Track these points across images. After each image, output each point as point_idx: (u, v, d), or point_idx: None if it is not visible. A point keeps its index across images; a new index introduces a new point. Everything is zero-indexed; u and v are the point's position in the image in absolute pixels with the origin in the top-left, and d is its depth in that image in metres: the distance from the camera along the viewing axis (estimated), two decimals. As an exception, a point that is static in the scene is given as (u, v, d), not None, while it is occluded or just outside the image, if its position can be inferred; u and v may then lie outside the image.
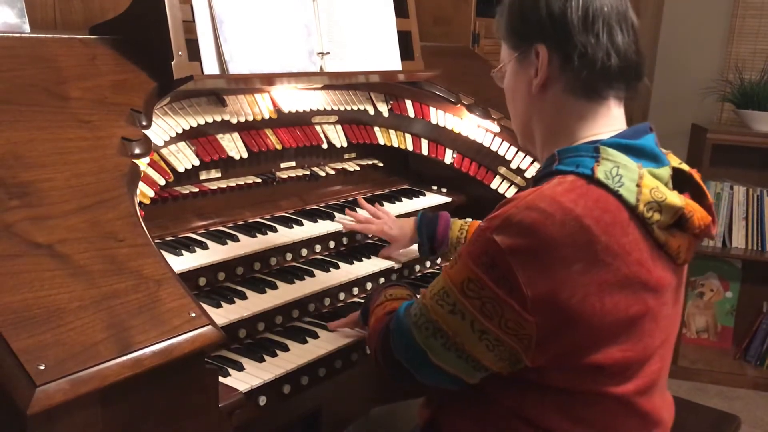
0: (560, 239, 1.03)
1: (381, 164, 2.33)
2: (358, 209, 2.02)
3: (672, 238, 1.12)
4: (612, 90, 1.16)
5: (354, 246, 1.99)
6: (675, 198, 1.10)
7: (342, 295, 1.81)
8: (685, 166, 1.20)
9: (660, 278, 1.11)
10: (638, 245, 1.08)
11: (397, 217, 2.00)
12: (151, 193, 1.56)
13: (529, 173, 2.21)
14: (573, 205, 1.04)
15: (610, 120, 1.18)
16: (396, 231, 1.90)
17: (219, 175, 1.87)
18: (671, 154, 1.20)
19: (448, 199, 2.32)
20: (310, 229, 1.86)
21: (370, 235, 2.01)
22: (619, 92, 1.17)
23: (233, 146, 1.82)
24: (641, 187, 1.08)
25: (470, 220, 1.84)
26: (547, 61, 1.16)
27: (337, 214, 1.97)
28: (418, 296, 1.21)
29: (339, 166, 2.19)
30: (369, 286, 1.88)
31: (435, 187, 2.38)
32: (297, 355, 1.52)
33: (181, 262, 1.54)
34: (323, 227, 1.88)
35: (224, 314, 1.50)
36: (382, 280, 1.93)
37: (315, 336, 1.61)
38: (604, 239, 1.04)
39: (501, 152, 2.24)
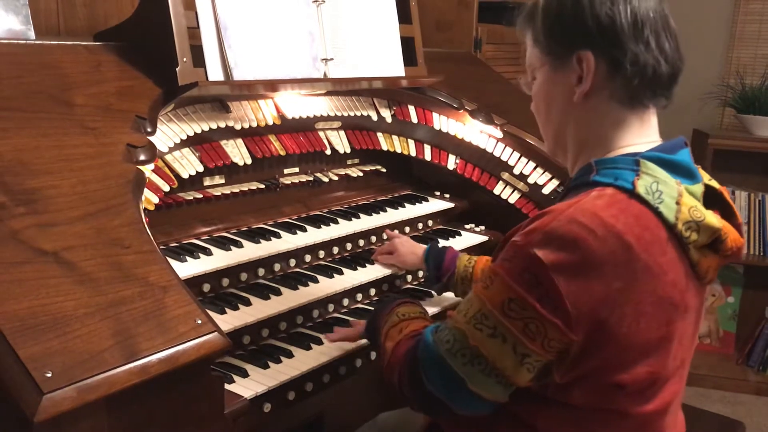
0: (602, 256, 1.00)
1: (384, 170, 2.33)
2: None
3: (704, 258, 1.10)
4: (656, 98, 1.14)
5: (357, 252, 1.99)
6: (713, 218, 1.08)
7: (346, 301, 1.81)
8: (715, 183, 1.17)
9: (689, 300, 1.10)
10: (674, 265, 1.06)
11: (402, 222, 2.03)
12: (156, 200, 1.56)
13: (532, 179, 2.21)
14: (614, 221, 1.02)
15: (647, 129, 1.16)
16: (403, 249, 1.89)
17: (223, 181, 1.87)
18: (701, 169, 1.17)
19: (451, 205, 2.32)
20: (314, 235, 1.86)
21: (373, 240, 2.02)
22: (661, 100, 1.15)
23: (237, 152, 1.82)
24: (680, 205, 1.06)
25: (476, 257, 1.81)
26: (592, 68, 1.11)
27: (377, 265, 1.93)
28: (447, 319, 1.15)
29: (342, 171, 2.19)
30: (373, 292, 1.88)
31: (438, 193, 2.38)
32: (301, 361, 1.52)
33: (186, 269, 1.54)
34: (327, 233, 1.88)
35: (228, 320, 1.50)
36: (385, 286, 1.93)
37: (319, 342, 1.61)
38: (644, 257, 1.02)
39: (504, 158, 2.24)
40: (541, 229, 1.03)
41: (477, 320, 1.07)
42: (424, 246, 1.88)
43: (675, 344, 1.10)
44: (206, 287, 1.59)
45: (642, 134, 1.15)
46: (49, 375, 0.96)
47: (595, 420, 1.11)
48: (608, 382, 1.07)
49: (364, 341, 1.59)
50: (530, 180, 2.22)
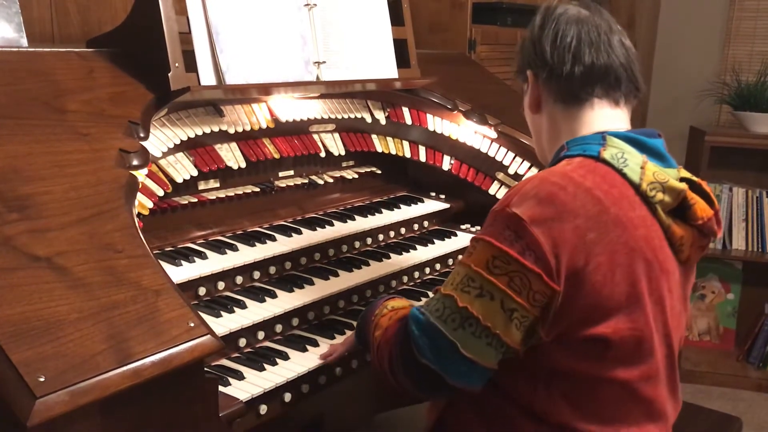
0: (574, 209, 1.11)
1: (379, 172, 2.34)
2: None
3: (675, 225, 1.19)
4: (589, 92, 1.26)
5: (353, 254, 1.99)
6: (676, 182, 1.18)
7: (341, 303, 1.81)
8: (694, 177, 1.26)
9: (665, 260, 1.18)
10: (646, 222, 1.15)
11: (397, 223, 2.07)
12: (150, 204, 1.56)
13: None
14: (582, 179, 1.14)
15: (605, 119, 1.27)
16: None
17: (217, 185, 1.88)
18: (682, 168, 1.26)
19: (447, 206, 2.33)
20: (309, 237, 1.86)
21: (369, 242, 2.03)
22: (606, 93, 1.26)
23: (231, 156, 1.83)
24: (644, 169, 1.17)
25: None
26: (533, 81, 1.32)
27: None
28: (433, 294, 1.23)
29: (337, 174, 2.19)
30: (369, 293, 1.89)
31: (433, 194, 2.38)
32: (297, 363, 1.53)
33: (181, 273, 1.55)
34: (322, 235, 1.89)
35: (224, 323, 1.51)
36: (382, 287, 1.93)
37: (315, 344, 1.61)
38: (614, 210, 1.13)
39: (498, 158, 2.25)
40: (517, 193, 1.15)
41: (464, 284, 1.15)
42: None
43: (651, 302, 1.16)
44: (202, 291, 1.60)
45: (602, 124, 1.26)
46: (42, 379, 0.96)
47: (584, 389, 1.17)
48: (590, 336, 1.13)
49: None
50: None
